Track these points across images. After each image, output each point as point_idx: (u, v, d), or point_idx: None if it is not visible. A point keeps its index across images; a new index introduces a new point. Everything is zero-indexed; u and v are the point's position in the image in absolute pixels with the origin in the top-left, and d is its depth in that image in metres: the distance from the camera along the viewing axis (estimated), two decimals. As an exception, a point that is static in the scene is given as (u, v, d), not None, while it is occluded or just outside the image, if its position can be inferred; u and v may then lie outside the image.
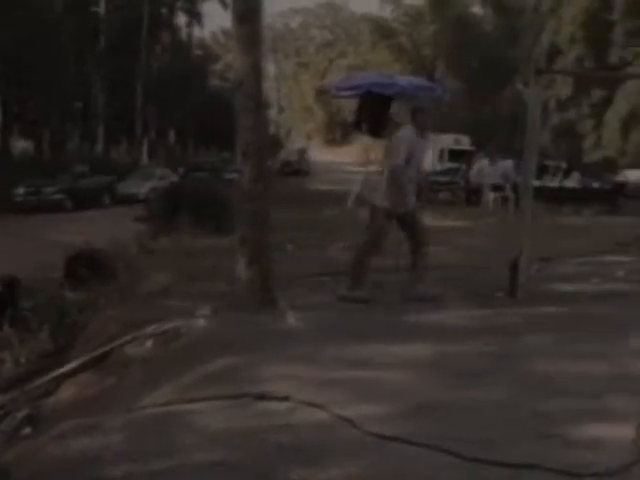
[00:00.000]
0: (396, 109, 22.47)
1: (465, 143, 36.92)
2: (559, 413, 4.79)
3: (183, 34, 51.82)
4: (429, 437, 4.29)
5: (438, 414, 4.78)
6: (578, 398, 5.07)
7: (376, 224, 8.41)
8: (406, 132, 8.10)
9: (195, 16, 49.07)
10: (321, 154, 64.87)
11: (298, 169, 48.21)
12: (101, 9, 43.93)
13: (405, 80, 22.65)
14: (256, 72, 7.88)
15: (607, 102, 37.18)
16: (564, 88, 37.87)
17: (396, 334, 6.76)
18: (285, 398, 4.91)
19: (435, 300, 8.23)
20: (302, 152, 55.23)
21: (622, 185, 27.94)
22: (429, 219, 17.38)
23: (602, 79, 36.46)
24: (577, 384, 5.38)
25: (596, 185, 26.97)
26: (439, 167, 32.25)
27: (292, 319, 7.21)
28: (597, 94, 37.58)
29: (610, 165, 34.17)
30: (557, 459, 4.05)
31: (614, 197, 25.49)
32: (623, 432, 4.38)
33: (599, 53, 36.94)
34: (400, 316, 7.55)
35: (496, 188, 24.54)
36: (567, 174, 27.96)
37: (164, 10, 47.48)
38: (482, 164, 27.43)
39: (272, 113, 65.53)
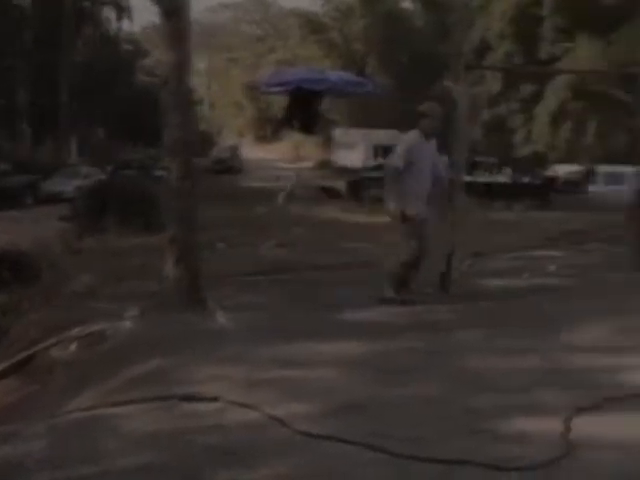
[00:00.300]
0: (327, 105, 22.44)
1: (399, 139, 37.06)
2: (490, 408, 4.81)
3: (112, 28, 50.98)
4: (360, 435, 4.27)
5: (369, 411, 4.76)
6: (509, 393, 5.11)
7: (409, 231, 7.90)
8: (410, 136, 7.95)
9: (123, 10, 48.32)
10: (252, 151, 64.64)
11: (230, 166, 47.90)
12: (26, 1, 42.94)
13: (335, 75, 22.67)
14: (183, 68, 7.76)
15: (537, 97, 37.69)
16: (494, 84, 38.30)
17: (328, 332, 6.72)
18: (214, 399, 4.84)
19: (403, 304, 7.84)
20: (234, 149, 54.93)
21: (552, 180, 28.33)
22: (360, 216, 17.52)
23: (531, 74, 36.95)
24: (508, 379, 5.41)
25: (526, 180, 27.32)
26: (372, 163, 32.35)
27: (222, 319, 7.11)
28: (527, 89, 38.05)
29: (540, 160, 34.64)
30: (487, 454, 4.06)
31: (544, 192, 25.83)
32: (552, 426, 4.41)
33: (528, 49, 37.37)
34: (332, 314, 7.50)
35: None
36: (498, 169, 28.26)
37: (88, 3, 46.59)
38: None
39: (203, 109, 64.99)
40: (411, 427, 4.49)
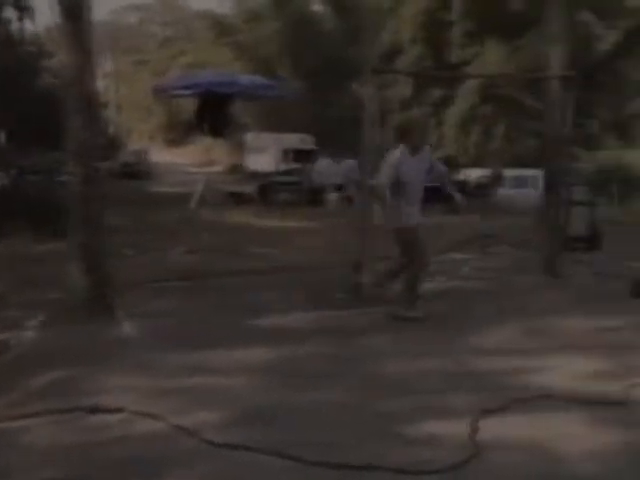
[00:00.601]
0: (237, 109, 22.26)
1: (309, 143, 37.14)
2: (400, 412, 4.83)
3: (14, 29, 49.42)
4: (270, 442, 4.24)
5: (279, 418, 4.73)
6: (419, 396, 5.14)
7: (404, 243, 8.06)
8: (394, 154, 7.89)
9: (24, 10, 47.04)
10: (162, 155, 63.83)
11: (138, 170, 47.09)
12: None
13: (246, 79, 22.58)
14: (86, 70, 7.56)
15: (447, 101, 38.15)
16: (406, 88, 38.60)
17: (237, 339, 6.66)
18: (119, 410, 4.73)
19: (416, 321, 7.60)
20: (142, 153, 54.12)
21: (463, 184, 28.65)
22: (271, 220, 17.46)
23: (442, 78, 37.40)
24: (418, 383, 5.46)
25: (437, 184, 27.53)
26: (283, 167, 32.31)
27: (130, 327, 6.97)
28: (438, 93, 38.46)
29: (451, 164, 35.02)
30: (398, 458, 4.09)
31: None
32: (461, 428, 4.47)
33: (439, 53, 37.79)
34: (243, 320, 7.42)
35: (339, 188, 24.83)
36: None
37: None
38: (325, 164, 27.66)
39: (110, 113, 63.85)
40: (322, 433, 4.48)
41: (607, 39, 34.51)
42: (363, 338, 6.82)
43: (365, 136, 8.64)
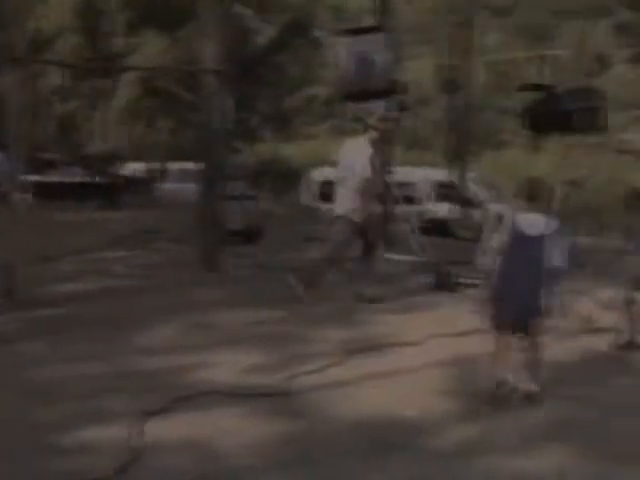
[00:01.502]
0: None
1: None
2: (57, 421, 4.64)
3: None
4: None
5: None
6: (77, 403, 4.98)
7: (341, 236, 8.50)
8: (366, 146, 8.33)
9: None
10: None
11: None
12: None
13: None
14: None
15: (108, 93, 37.35)
16: (60, 78, 37.26)
17: None
18: None
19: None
20: None
21: (123, 178, 28.19)
22: None
23: (102, 69, 36.50)
24: (76, 388, 5.27)
25: (98, 179, 26.91)
26: None
27: None
28: (98, 85, 37.50)
29: (114, 158, 34.28)
30: (55, 470, 3.93)
31: (115, 191, 25.61)
32: (123, 433, 4.36)
33: (99, 42, 36.79)
34: None
35: (-6, 184, 23.45)
36: (69, 168, 27.55)
37: None
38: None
39: None
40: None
41: (265, 33, 35.71)
42: (19, 344, 6.45)
43: (13, 128, 8.17)
